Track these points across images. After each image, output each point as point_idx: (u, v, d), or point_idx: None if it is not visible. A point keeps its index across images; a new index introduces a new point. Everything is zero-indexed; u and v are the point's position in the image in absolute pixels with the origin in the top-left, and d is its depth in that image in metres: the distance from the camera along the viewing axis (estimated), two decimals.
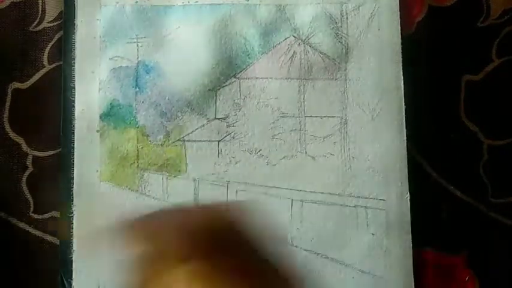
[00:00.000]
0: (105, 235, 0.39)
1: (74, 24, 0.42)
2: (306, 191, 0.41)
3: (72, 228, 0.40)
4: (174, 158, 0.42)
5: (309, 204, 0.41)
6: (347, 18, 0.43)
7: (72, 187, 0.41)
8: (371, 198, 0.41)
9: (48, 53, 0.43)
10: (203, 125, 0.42)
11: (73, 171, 0.41)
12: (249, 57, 0.42)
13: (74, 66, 0.42)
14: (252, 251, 0.28)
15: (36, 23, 0.43)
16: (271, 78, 0.42)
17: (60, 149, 0.42)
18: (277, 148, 0.42)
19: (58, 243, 0.41)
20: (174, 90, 0.42)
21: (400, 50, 0.42)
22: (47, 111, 0.42)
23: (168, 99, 0.42)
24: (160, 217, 0.30)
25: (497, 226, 0.42)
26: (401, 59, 0.42)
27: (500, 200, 0.42)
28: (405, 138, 0.42)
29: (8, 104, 0.42)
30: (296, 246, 0.41)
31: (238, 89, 0.42)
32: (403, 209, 0.41)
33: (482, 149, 0.43)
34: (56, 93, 0.42)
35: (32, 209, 0.42)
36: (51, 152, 0.42)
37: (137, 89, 0.42)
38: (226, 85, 0.42)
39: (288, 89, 0.42)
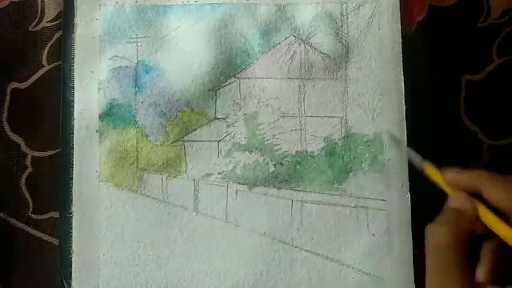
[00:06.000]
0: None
1: (73, 24, 0.42)
2: (306, 191, 0.41)
3: (72, 228, 0.40)
4: (174, 158, 0.42)
5: (309, 204, 0.41)
6: (347, 18, 0.43)
7: (72, 187, 0.41)
8: (371, 198, 0.41)
9: (48, 52, 0.43)
10: (203, 125, 0.42)
11: (72, 171, 0.41)
12: (249, 57, 0.42)
13: (73, 66, 0.42)
14: None
15: (35, 22, 0.43)
16: (271, 78, 0.42)
17: (59, 149, 0.42)
18: (277, 148, 0.42)
19: (57, 243, 0.41)
20: (173, 90, 0.42)
21: (401, 50, 0.42)
22: (46, 111, 0.42)
23: (168, 99, 0.42)
24: None
25: None
26: (401, 58, 0.42)
27: None
28: (405, 138, 0.42)
29: (7, 104, 0.42)
30: (296, 246, 0.41)
31: (238, 89, 0.42)
32: (404, 209, 0.41)
33: (483, 149, 0.43)
34: (55, 93, 0.42)
35: (31, 209, 0.41)
36: (51, 152, 0.42)
37: (137, 89, 0.42)
38: (226, 85, 0.42)
39: (288, 89, 0.42)
